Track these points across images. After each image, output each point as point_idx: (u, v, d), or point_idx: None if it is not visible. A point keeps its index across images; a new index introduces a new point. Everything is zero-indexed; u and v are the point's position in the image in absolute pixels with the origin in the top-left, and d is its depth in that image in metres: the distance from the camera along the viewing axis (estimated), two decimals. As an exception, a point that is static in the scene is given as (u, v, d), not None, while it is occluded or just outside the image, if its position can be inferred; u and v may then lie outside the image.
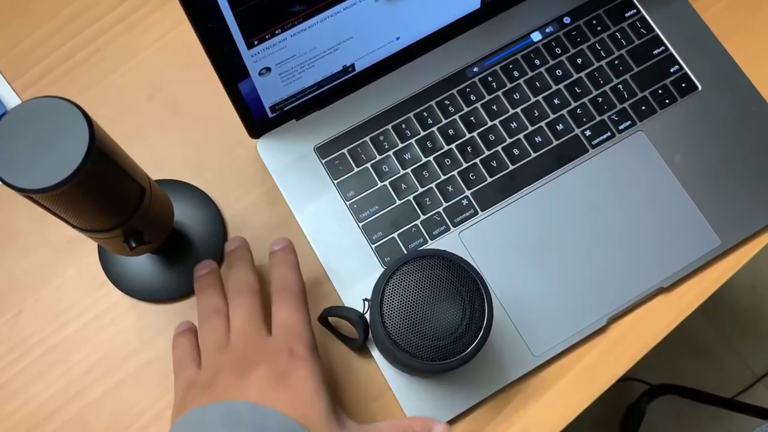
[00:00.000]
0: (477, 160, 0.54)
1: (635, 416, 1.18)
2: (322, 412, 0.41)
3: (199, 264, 0.50)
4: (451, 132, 0.55)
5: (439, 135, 0.55)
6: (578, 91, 0.56)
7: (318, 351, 0.45)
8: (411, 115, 0.55)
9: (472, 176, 0.54)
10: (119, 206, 0.40)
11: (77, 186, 0.35)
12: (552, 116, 0.55)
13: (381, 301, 0.42)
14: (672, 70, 0.56)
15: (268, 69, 0.49)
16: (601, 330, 0.51)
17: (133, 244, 0.43)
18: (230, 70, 0.47)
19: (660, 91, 0.56)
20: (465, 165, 0.54)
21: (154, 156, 0.56)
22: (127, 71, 0.58)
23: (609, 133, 0.55)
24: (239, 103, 0.51)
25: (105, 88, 0.57)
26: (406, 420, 0.45)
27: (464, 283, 0.43)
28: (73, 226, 0.41)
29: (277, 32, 0.46)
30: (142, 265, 0.53)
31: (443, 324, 0.42)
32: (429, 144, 0.54)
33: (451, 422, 0.50)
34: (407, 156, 0.54)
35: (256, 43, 0.46)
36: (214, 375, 0.43)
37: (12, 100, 0.57)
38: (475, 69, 0.56)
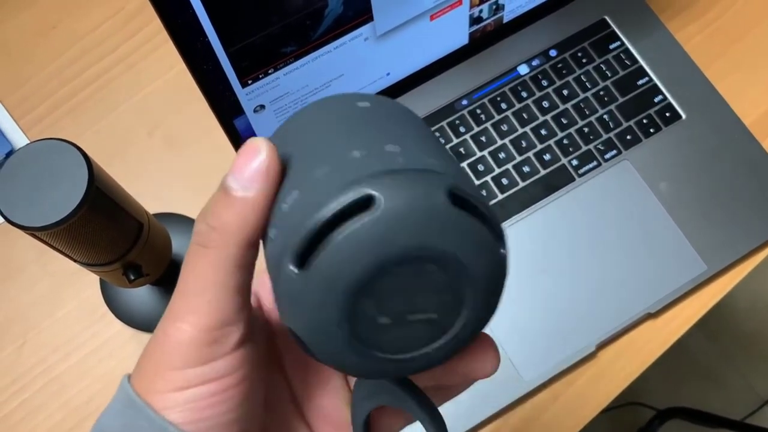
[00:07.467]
0: (467, 190, 0.56)
1: (646, 440, 1.18)
2: None
3: None
4: (441, 163, 0.56)
5: (429, 166, 0.56)
6: (564, 121, 0.57)
7: None
8: (402, 147, 0.57)
9: (463, 206, 0.55)
10: (117, 241, 0.41)
11: (76, 223, 0.36)
12: (539, 146, 0.57)
13: None
14: (656, 99, 0.58)
15: (262, 106, 0.51)
16: (591, 356, 0.52)
17: (132, 277, 0.45)
18: (226, 108, 0.49)
19: (645, 121, 0.57)
20: (455, 195, 0.55)
21: (154, 190, 0.58)
22: (128, 108, 0.60)
23: (595, 163, 0.56)
24: (236, 139, 0.52)
25: (108, 125, 0.59)
26: None
27: None
28: (74, 260, 0.42)
29: (270, 71, 0.48)
30: (142, 296, 0.54)
31: None
32: (420, 175, 0.56)
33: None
34: (399, 187, 0.56)
35: (249, 82, 0.48)
36: None
37: (19, 138, 0.59)
38: (464, 102, 0.58)
